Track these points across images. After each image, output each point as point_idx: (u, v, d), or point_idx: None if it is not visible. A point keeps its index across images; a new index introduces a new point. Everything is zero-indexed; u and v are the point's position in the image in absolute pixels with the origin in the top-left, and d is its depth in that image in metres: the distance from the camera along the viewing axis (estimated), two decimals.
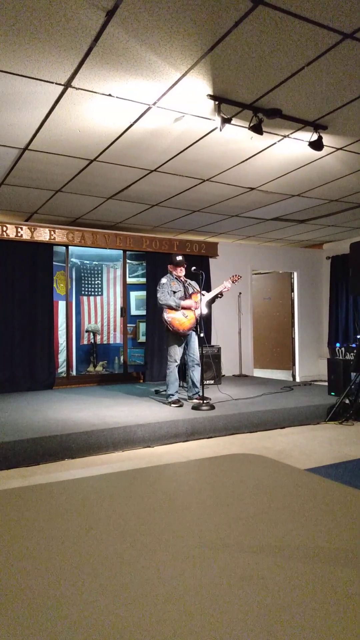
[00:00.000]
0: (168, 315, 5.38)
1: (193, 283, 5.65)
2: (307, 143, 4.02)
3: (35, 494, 3.01)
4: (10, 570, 1.94)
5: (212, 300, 5.76)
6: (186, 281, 5.62)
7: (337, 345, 8.66)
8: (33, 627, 1.55)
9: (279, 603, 1.66)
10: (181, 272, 5.58)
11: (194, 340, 5.57)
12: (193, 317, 5.44)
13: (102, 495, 2.98)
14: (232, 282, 5.71)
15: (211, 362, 6.90)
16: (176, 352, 5.45)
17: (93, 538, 2.25)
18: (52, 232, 6.97)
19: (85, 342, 8.59)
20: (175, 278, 5.53)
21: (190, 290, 5.59)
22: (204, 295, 5.50)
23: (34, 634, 1.51)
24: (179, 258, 5.60)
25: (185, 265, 5.58)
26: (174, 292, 5.44)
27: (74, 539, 2.24)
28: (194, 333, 5.56)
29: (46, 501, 2.89)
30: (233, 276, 5.79)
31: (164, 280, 5.49)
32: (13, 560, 2.04)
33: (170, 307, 5.37)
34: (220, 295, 5.69)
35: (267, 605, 1.64)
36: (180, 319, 5.39)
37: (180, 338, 5.48)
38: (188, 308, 5.43)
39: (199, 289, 5.47)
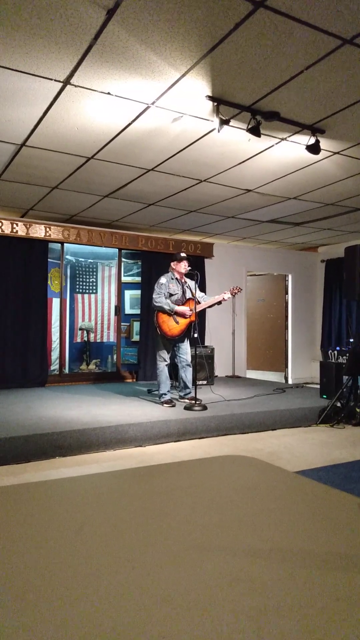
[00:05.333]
0: (160, 318, 5.35)
1: (191, 285, 5.54)
2: (305, 146, 4.03)
3: (26, 492, 3.00)
4: (0, 568, 1.94)
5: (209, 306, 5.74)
6: (185, 282, 5.54)
7: (330, 348, 8.69)
8: (23, 626, 1.54)
9: (269, 605, 1.66)
10: (184, 268, 5.44)
11: (185, 343, 5.53)
12: (185, 323, 5.39)
13: (93, 495, 2.97)
14: (232, 294, 5.59)
15: (204, 363, 6.91)
16: (164, 352, 5.43)
17: (83, 538, 2.25)
18: (48, 229, 6.95)
19: (79, 340, 8.57)
20: (176, 279, 5.49)
21: (188, 295, 5.50)
22: (199, 303, 5.47)
23: (26, 633, 1.51)
24: (183, 254, 5.54)
25: (189, 260, 5.50)
26: (171, 295, 5.40)
27: (64, 538, 2.24)
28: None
29: (36, 499, 2.88)
30: (233, 288, 5.65)
31: (162, 279, 5.41)
32: (1, 558, 2.03)
33: (164, 312, 5.34)
34: (218, 304, 5.65)
35: (257, 608, 1.65)
36: (170, 324, 5.32)
37: (169, 340, 5.45)
38: (182, 315, 5.35)
39: (195, 293, 5.43)
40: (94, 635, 1.50)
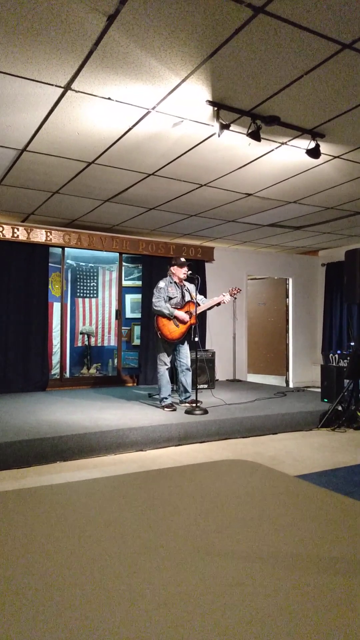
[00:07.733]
0: (159, 322, 5.36)
1: (191, 288, 5.54)
2: (305, 151, 4.04)
3: (27, 496, 3.00)
4: (1, 572, 1.93)
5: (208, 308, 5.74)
6: (184, 286, 5.55)
7: (331, 352, 8.69)
8: (24, 631, 1.54)
9: (271, 609, 1.66)
10: (184, 274, 5.45)
11: (185, 347, 5.54)
12: (185, 326, 5.39)
13: (94, 500, 2.97)
14: (231, 295, 5.56)
15: (205, 367, 6.90)
16: (165, 356, 5.44)
17: (84, 542, 2.24)
18: (49, 234, 6.96)
19: (80, 344, 8.57)
20: (174, 282, 5.50)
21: (187, 298, 5.51)
22: (199, 305, 5.48)
23: (26, 637, 1.50)
24: (183, 259, 5.55)
25: (189, 266, 5.52)
26: (170, 298, 5.41)
27: (65, 543, 2.23)
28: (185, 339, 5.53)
29: (37, 504, 2.87)
30: (232, 289, 5.62)
31: (161, 284, 5.43)
32: (2, 562, 2.02)
33: (163, 316, 5.34)
34: (217, 305, 5.64)
35: (258, 612, 1.64)
36: (170, 327, 5.34)
37: (170, 344, 5.46)
38: (181, 321, 5.36)
39: (194, 296, 5.44)
40: (94, 639, 1.49)
